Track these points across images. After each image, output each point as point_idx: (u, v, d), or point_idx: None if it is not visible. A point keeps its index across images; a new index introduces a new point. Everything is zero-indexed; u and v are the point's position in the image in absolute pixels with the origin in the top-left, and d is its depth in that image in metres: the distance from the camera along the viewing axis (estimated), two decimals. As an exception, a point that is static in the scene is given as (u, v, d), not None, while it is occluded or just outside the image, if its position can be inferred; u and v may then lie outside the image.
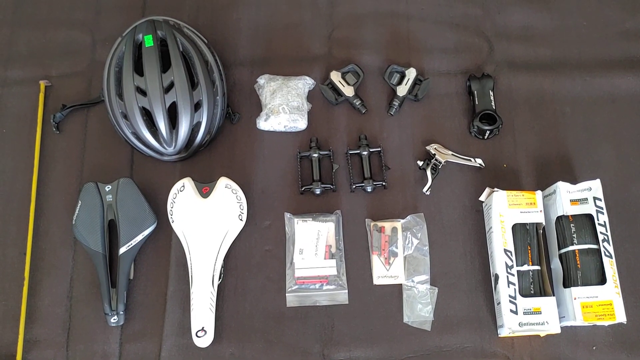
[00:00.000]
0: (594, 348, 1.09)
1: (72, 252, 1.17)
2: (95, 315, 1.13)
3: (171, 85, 1.12)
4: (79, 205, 1.14)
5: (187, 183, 1.14)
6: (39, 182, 1.21)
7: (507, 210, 1.09)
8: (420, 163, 1.20)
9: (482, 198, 1.16)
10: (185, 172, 1.20)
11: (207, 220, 1.12)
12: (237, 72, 1.28)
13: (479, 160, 1.20)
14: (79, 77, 1.29)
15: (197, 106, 1.15)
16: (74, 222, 1.13)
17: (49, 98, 1.27)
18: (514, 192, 1.10)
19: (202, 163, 1.22)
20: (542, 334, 1.06)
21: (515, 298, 1.04)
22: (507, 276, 1.05)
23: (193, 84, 1.15)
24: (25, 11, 1.35)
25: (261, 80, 1.25)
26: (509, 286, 1.05)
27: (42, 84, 1.27)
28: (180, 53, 1.14)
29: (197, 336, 1.08)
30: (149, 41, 1.13)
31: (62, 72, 1.29)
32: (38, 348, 1.11)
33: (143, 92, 1.12)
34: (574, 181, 1.12)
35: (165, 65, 1.13)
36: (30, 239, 1.16)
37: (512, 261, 1.06)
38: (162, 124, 1.13)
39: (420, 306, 1.11)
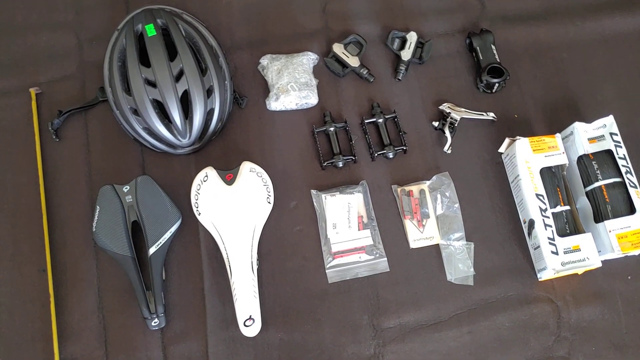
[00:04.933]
0: (629, 277, 1.12)
1: (94, 261, 1.11)
2: (131, 322, 1.08)
3: (181, 74, 1.08)
4: (98, 210, 1.08)
5: (210, 172, 1.10)
6: (47, 194, 1.14)
7: (532, 156, 1.11)
8: (435, 124, 1.20)
9: (501, 149, 1.17)
10: (200, 163, 1.16)
11: (236, 207, 1.09)
12: (237, 56, 1.25)
13: (491, 114, 1.21)
14: (70, 80, 1.22)
15: (208, 92, 1.11)
16: (94, 229, 1.08)
17: (41, 106, 1.20)
18: (535, 138, 1.12)
19: (216, 152, 1.18)
20: (580, 272, 1.09)
21: (553, 239, 1.06)
22: (543, 219, 1.07)
23: (201, 71, 1.11)
24: (-1, 18, 1.27)
25: (264, 60, 1.23)
26: (546, 229, 1.07)
27: (32, 91, 1.19)
28: (184, 39, 1.10)
29: (245, 325, 1.05)
30: (150, 30, 1.08)
31: (51, 77, 1.22)
32: (76, 365, 1.05)
33: (152, 84, 1.08)
34: (583, 121, 1.15)
35: (169, 53, 1.09)
36: (48, 253, 1.10)
37: (545, 204, 1.08)
38: (176, 115, 1.08)
39: (460, 263, 1.12)
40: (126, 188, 1.10)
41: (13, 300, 1.09)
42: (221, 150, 1.19)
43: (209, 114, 1.12)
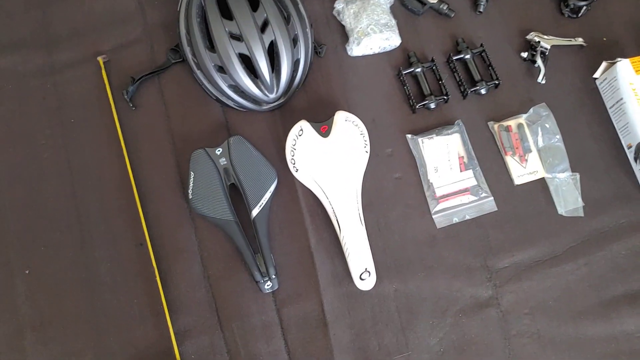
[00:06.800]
0: None
1: (192, 229, 1.07)
2: (239, 288, 1.04)
3: (266, 24, 1.02)
4: (192, 176, 1.03)
5: (304, 125, 1.05)
6: (132, 166, 1.09)
7: (636, 77, 1.06)
8: (524, 54, 1.15)
9: (596, 75, 1.12)
10: (286, 118, 1.11)
11: (335, 159, 1.04)
12: (308, 2, 1.17)
13: (580, 39, 1.16)
14: (136, 44, 1.16)
15: (294, 42, 1.05)
16: (190, 196, 1.03)
17: (110, 74, 1.14)
18: (637, 58, 1.07)
19: (300, 105, 1.13)
20: (692, 192, 1.06)
21: (667, 161, 1.03)
22: (655, 141, 1.04)
23: (285, 19, 1.04)
24: (49, -13, 1.19)
25: (339, 5, 1.16)
26: (658, 151, 1.03)
27: (100, 60, 1.13)
28: (264, -14, 1.03)
29: (361, 279, 1.02)
30: (228, -20, 1.01)
31: (116, 43, 1.15)
32: (191, 337, 1.02)
33: (237, 38, 1.01)
34: (677, 39, 1.10)
35: (250, 3, 1.02)
36: (145, 226, 1.05)
37: (655, 126, 1.04)
38: (264, 68, 1.02)
39: (568, 195, 1.08)
40: (219, 150, 1.05)
41: (114, 278, 1.04)
42: (305, 103, 1.13)
43: (295, 65, 1.06)
